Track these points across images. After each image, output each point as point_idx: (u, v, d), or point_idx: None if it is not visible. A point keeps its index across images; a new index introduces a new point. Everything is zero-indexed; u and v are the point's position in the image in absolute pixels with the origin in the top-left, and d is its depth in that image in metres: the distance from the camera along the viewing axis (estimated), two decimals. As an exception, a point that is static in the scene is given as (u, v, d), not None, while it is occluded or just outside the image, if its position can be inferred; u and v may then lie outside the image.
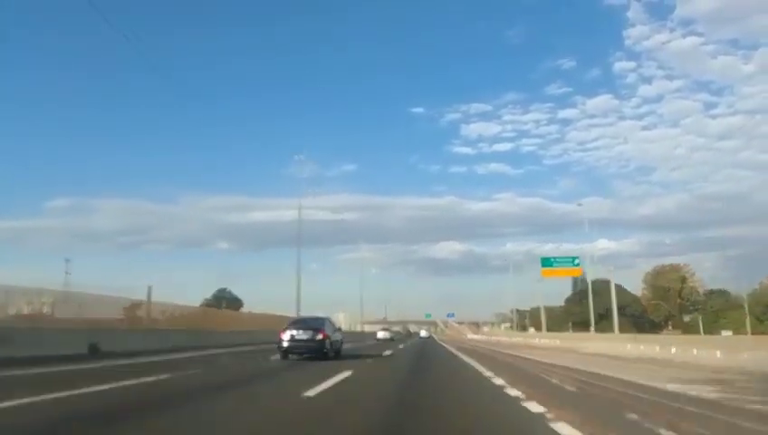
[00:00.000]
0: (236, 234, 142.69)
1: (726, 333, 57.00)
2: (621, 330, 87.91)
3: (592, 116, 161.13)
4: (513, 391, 8.20)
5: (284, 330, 16.95)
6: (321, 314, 20.24)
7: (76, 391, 7.70)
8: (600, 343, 26.67)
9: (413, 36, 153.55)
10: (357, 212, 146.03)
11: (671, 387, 8.94)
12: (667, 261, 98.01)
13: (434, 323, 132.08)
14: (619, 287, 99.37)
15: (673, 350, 17.73)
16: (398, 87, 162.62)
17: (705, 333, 69.96)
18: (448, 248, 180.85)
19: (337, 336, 18.76)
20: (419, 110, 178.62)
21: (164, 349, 19.25)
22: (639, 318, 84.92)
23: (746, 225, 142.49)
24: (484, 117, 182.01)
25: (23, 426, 5.45)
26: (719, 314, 79.05)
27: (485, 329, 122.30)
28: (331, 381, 9.44)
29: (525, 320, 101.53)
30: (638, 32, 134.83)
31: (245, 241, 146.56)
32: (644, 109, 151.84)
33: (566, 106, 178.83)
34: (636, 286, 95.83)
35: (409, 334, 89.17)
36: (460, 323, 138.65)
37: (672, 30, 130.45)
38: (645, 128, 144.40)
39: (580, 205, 41.83)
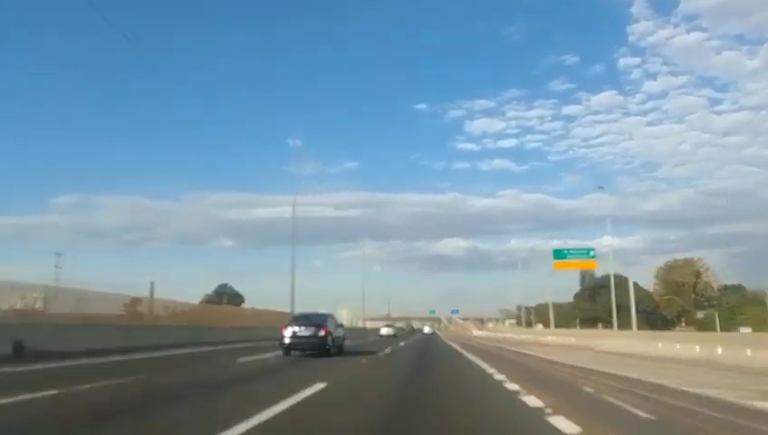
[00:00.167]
0: (238, 231, 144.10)
1: (745, 331, 55.95)
2: (628, 326, 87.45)
3: (597, 112, 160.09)
4: (548, 411, 6.23)
5: (286, 326, 17.03)
6: (323, 311, 20.29)
7: None
8: (620, 341, 25.73)
9: (415, 33, 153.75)
10: (360, 209, 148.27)
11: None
12: (672, 258, 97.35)
13: (437, 320, 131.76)
14: (627, 283, 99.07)
15: (719, 350, 16.62)
16: (400, 84, 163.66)
17: (721, 330, 69.03)
18: (452, 245, 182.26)
19: (339, 333, 18.82)
20: (422, 106, 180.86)
21: (141, 346, 18.09)
22: (652, 314, 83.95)
23: (751, 221, 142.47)
24: (487, 113, 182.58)
25: None
26: (735, 310, 78.00)
27: (490, 325, 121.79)
28: (300, 396, 7.26)
29: (531, 316, 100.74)
30: (642, 27, 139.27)
31: (247, 238, 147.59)
32: (649, 105, 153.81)
33: (570, 102, 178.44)
34: (642, 283, 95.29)
35: (413, 331, 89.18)
36: (464, 319, 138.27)
37: (676, 25, 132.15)
38: (650, 124, 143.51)
39: (601, 188, 40.53)
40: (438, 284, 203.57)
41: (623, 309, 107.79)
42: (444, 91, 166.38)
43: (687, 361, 17.07)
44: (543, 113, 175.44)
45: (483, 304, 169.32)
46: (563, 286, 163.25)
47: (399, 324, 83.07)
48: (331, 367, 12.86)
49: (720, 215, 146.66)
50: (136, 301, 22.13)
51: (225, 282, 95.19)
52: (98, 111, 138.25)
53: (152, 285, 23.09)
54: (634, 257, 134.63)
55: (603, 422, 5.75)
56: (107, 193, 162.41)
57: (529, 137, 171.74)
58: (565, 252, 44.90)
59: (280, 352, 16.64)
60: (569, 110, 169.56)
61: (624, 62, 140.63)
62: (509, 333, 67.41)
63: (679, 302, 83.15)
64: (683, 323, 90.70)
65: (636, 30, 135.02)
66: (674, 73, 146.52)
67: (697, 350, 18.64)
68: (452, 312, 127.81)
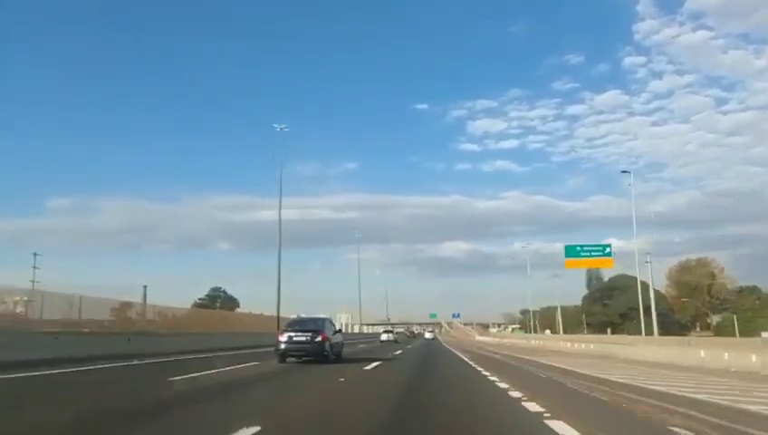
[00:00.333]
0: (236, 234, 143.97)
1: (767, 335, 53.89)
2: (649, 332, 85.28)
3: (601, 112, 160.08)
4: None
5: (282, 331, 16.91)
6: (322, 315, 19.70)
7: None
8: (650, 349, 23.50)
9: (417, 32, 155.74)
10: (359, 211, 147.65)
11: None
12: (676, 260, 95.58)
13: (438, 324, 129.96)
14: (643, 284, 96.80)
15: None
16: (401, 83, 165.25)
17: (740, 334, 67.05)
18: (454, 247, 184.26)
19: (337, 338, 18.49)
20: (423, 106, 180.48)
21: (110, 355, 16.11)
22: (666, 317, 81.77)
23: (758, 222, 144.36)
24: (489, 113, 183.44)
25: None
26: (754, 313, 76.05)
27: (493, 330, 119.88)
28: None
29: (536, 321, 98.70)
30: (647, 26, 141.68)
31: (245, 241, 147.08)
32: (654, 104, 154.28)
33: (574, 102, 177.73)
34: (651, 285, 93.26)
35: (413, 335, 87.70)
36: (466, 323, 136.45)
37: (682, 24, 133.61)
38: (655, 124, 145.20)
39: (628, 170, 38.06)
40: (439, 287, 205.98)
41: (636, 312, 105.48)
42: (445, 91, 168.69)
43: (750, 374, 14.87)
44: (546, 113, 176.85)
45: (485, 309, 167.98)
46: (567, 289, 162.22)
47: (400, 329, 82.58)
48: (286, 394, 9.73)
49: (726, 216, 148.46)
50: (126, 305, 22.28)
51: (219, 286, 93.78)
52: (99, 111, 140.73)
53: (145, 289, 23.21)
54: (641, 259, 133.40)
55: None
56: (105, 195, 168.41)
57: (531, 137, 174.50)
58: (578, 249, 42.53)
59: (255, 362, 15.97)
60: (572, 109, 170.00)
61: (629, 61, 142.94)
62: (515, 339, 65.19)
63: (696, 304, 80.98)
64: (698, 328, 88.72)
65: (641, 28, 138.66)
66: (680, 72, 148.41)
67: (753, 359, 16.47)
68: (453, 316, 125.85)
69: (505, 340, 64.62)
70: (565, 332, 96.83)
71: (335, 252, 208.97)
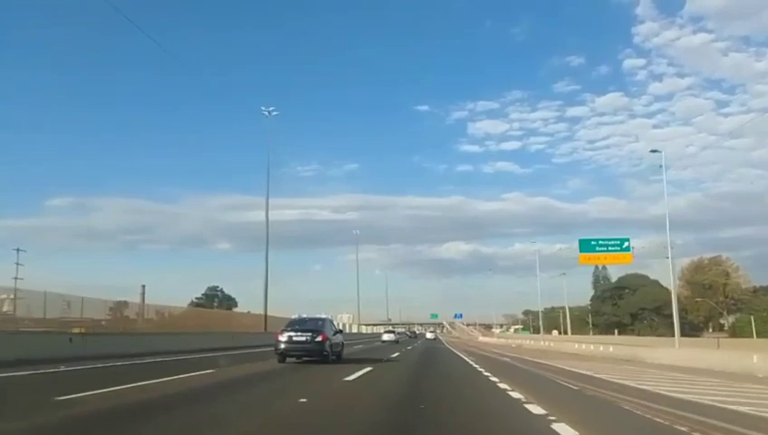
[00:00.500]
0: (235, 234, 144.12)
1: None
2: (660, 333, 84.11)
3: (602, 114, 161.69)
4: None
5: (282, 331, 16.98)
6: (323, 315, 20.00)
7: None
8: (682, 352, 22.06)
9: (418, 33, 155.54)
10: (359, 212, 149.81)
11: None
12: (678, 262, 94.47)
13: (440, 325, 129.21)
14: (655, 283, 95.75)
15: None
16: (402, 84, 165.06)
17: (757, 336, 65.78)
18: (455, 248, 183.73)
19: (338, 338, 18.57)
20: (424, 107, 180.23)
21: (80, 356, 15.09)
22: (679, 318, 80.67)
23: (759, 225, 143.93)
24: (490, 115, 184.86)
25: None
26: (769, 314, 74.78)
27: (496, 331, 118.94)
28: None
29: (539, 322, 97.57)
30: (647, 28, 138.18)
31: (244, 241, 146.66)
32: (655, 106, 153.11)
33: (575, 104, 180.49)
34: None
35: (414, 336, 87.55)
36: (468, 324, 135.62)
37: (682, 26, 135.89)
38: (656, 126, 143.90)
39: (654, 151, 35.92)
40: (440, 288, 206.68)
41: (646, 312, 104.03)
42: (446, 93, 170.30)
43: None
44: (547, 115, 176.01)
45: (487, 309, 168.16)
46: (571, 290, 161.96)
47: (401, 330, 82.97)
48: (226, 418, 6.73)
49: (728, 218, 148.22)
50: (121, 304, 22.67)
51: (223, 286, 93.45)
52: (98, 110, 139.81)
53: (143, 288, 24.06)
54: (648, 261, 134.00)
55: None
56: (106, 195, 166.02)
57: (532, 139, 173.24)
58: (594, 243, 40.77)
59: (218, 368, 14.76)
60: (573, 111, 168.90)
61: (629, 63, 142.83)
62: (520, 339, 63.83)
63: (711, 304, 79.68)
64: (711, 329, 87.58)
65: (641, 31, 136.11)
66: (680, 75, 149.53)
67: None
68: (455, 316, 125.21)
69: (510, 341, 63.25)
70: (571, 332, 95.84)
71: (336, 252, 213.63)
